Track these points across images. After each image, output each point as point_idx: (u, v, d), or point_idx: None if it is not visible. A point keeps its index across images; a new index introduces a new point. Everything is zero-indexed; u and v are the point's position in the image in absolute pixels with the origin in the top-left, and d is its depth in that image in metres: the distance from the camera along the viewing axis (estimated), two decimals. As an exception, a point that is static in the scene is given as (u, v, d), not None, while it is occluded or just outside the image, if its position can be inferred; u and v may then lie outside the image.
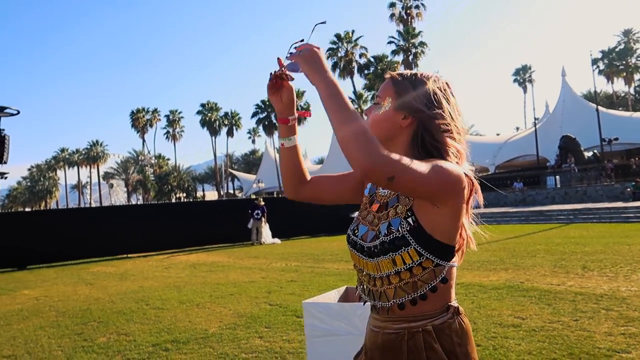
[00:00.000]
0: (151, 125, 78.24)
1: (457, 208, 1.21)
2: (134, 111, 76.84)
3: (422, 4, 42.22)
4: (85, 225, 15.58)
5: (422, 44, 40.03)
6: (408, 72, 1.36)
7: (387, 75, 1.39)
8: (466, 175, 1.23)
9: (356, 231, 1.36)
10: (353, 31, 41.80)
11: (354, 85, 43.07)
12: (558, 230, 14.60)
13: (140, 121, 76.75)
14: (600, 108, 35.26)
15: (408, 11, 41.62)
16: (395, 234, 1.23)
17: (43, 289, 9.38)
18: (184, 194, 74.76)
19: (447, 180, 1.16)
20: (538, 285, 6.44)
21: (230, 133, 63.84)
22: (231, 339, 4.80)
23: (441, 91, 1.32)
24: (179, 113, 75.46)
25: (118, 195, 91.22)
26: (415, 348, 1.22)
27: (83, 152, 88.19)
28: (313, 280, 8.10)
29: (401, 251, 1.22)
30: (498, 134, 76.27)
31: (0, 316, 6.82)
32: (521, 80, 63.01)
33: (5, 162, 22.37)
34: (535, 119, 39.53)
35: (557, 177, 26.38)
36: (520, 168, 38.62)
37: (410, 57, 39.71)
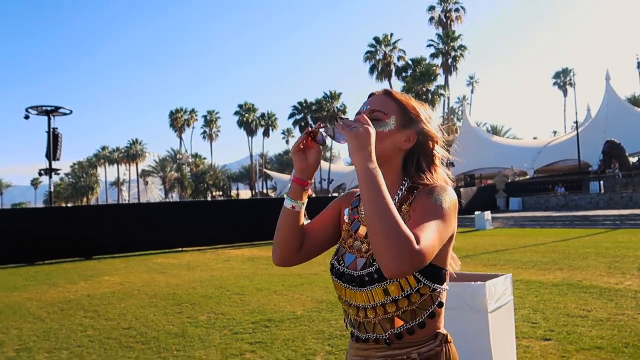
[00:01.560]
0: (188, 125, 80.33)
1: (453, 233, 1.19)
2: (173, 111, 78.99)
3: (462, 7, 42.24)
4: (145, 219, 16.57)
5: (461, 47, 40.04)
6: (399, 92, 1.33)
7: (381, 92, 1.32)
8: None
9: (341, 261, 1.28)
10: (392, 34, 42.20)
11: (390, 85, 43.35)
12: (605, 235, 14.66)
13: (178, 121, 78.86)
14: (645, 112, 34.50)
15: (447, 14, 41.68)
16: None
17: (120, 276, 10.21)
18: (220, 192, 76.36)
19: (452, 221, 1.16)
20: (597, 284, 6.79)
21: (266, 133, 65.01)
22: (320, 319, 5.37)
23: (433, 115, 1.33)
24: (216, 113, 77.20)
25: (152, 193, 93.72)
26: None
27: (123, 151, 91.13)
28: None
29: (399, 278, 1.16)
30: (535, 138, 75.08)
31: (99, 297, 7.62)
32: (561, 84, 61.92)
33: (58, 159, 23.72)
34: (574, 122, 38.94)
35: (601, 182, 26.07)
36: (561, 172, 38.09)
37: (450, 61, 39.74)
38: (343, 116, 1.34)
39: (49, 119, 20.16)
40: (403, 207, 1.24)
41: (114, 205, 21.69)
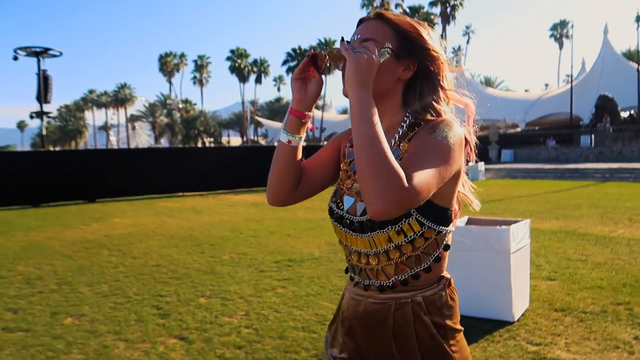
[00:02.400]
0: (178, 70, 78.92)
1: (458, 171, 1.11)
2: (162, 55, 77.25)
3: (463, -47, 40.96)
4: (146, 164, 16.74)
5: (461, -5, 39.24)
6: (395, 12, 1.18)
7: (372, 16, 1.17)
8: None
9: (340, 204, 1.20)
10: (390, -21, 41.02)
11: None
12: (595, 188, 15.20)
13: (168, 65, 77.30)
14: (640, 68, 34.61)
15: (448, -40, 40.49)
16: None
17: (130, 218, 10.51)
18: (211, 139, 75.96)
19: (456, 158, 1.06)
20: (592, 232, 7.24)
21: (258, 80, 64.12)
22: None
23: (434, 35, 1.18)
24: (207, 58, 75.64)
25: (141, 138, 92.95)
26: (403, 320, 1.13)
27: (111, 95, 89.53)
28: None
29: (401, 223, 1.09)
30: (527, 91, 75.02)
31: (117, 237, 7.93)
32: (558, 36, 61.30)
33: (49, 102, 23.41)
34: (567, 75, 38.98)
35: (592, 136, 26.55)
36: (553, 126, 38.54)
37: (449, 10, 39.01)
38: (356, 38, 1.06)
39: (39, 60, 19.74)
40: (401, 144, 1.14)
41: (116, 150, 21.71)
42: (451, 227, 1.15)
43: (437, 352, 1.12)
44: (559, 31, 61.08)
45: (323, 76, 1.17)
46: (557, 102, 42.06)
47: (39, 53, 19.80)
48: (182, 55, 78.44)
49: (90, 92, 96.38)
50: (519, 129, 42.16)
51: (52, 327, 3.77)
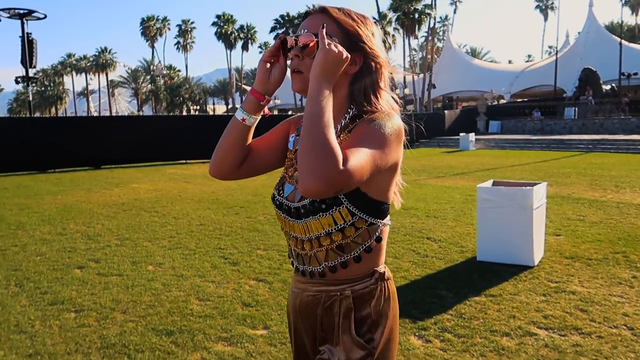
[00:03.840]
0: (161, 35, 77.35)
1: (395, 163, 1.13)
2: (144, 19, 75.55)
3: None
4: (149, 132, 17.04)
5: (451, -36, 39.20)
6: (339, 7, 1.19)
7: (317, 11, 1.18)
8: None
9: (281, 191, 1.24)
10: (380, -54, 40.65)
11: (377, 4, 42.54)
12: (580, 158, 16.12)
13: (150, 30, 75.71)
14: (623, 42, 35.50)
15: None
16: None
17: (148, 184, 11.00)
18: (197, 107, 75.34)
19: (390, 150, 1.09)
20: (584, 197, 8.04)
21: (245, 47, 63.37)
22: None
23: (376, 32, 1.21)
24: (192, 23, 74.23)
25: (120, 105, 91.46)
26: (331, 313, 1.17)
27: (91, 59, 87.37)
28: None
29: (332, 211, 1.13)
30: (510, 62, 75.76)
31: (147, 200, 8.47)
32: (543, 7, 61.77)
33: (34, 67, 23.23)
34: (549, 47, 39.69)
35: (575, 108, 27.48)
36: (537, 98, 39.47)
37: (439, -22, 38.99)
38: (299, 38, 1.08)
39: (23, 23, 19.56)
40: (342, 135, 1.18)
41: (120, 117, 21.84)
42: (386, 221, 1.18)
43: (359, 345, 1.14)
44: (544, 2, 61.53)
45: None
46: (541, 74, 42.91)
47: (23, 15, 19.60)
48: (165, 20, 76.82)
49: (69, 56, 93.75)
50: (503, 101, 43.01)
51: (140, 272, 4.38)
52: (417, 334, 3.00)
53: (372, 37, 1.18)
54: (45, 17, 21.51)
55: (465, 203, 7.64)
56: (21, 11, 19.76)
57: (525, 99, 42.58)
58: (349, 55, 1.08)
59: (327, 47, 1.05)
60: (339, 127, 1.18)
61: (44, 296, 3.79)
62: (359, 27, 1.16)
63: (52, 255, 4.99)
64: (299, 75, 1.16)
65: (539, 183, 4.47)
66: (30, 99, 22.36)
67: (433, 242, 5.22)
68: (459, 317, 3.22)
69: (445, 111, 28.69)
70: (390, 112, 1.15)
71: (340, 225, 1.13)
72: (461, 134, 21.47)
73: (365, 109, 1.17)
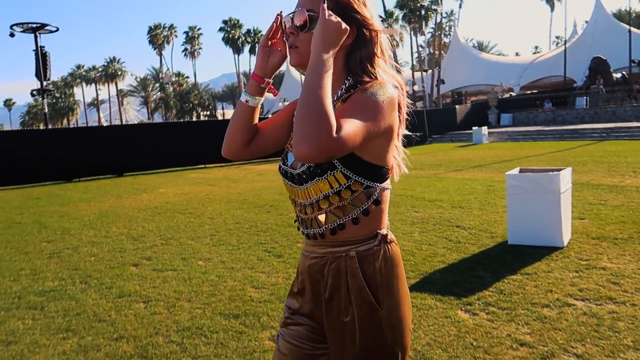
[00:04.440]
0: (168, 42, 78.12)
1: (390, 129, 1.18)
2: (152, 27, 76.36)
3: None
4: (167, 139, 17.45)
5: (456, -41, 39.35)
6: None
7: None
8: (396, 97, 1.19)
9: (286, 160, 1.32)
10: (384, -55, 40.90)
11: (383, 3, 42.74)
12: (595, 146, 16.22)
13: (158, 38, 76.53)
14: (632, 29, 35.36)
15: None
16: None
17: (174, 188, 11.36)
18: (207, 112, 75.99)
19: (383, 117, 1.13)
20: (603, 183, 8.23)
21: (252, 51, 63.83)
22: (393, 212, 6.69)
23: (368, 2, 1.25)
24: (198, 30, 74.94)
25: (129, 113, 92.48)
26: (337, 273, 1.22)
27: (100, 69, 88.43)
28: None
29: (327, 175, 1.18)
30: (517, 54, 75.46)
31: (179, 203, 8.81)
32: (549, -3, 61.53)
33: (48, 79, 23.71)
34: (556, 37, 39.58)
35: (587, 98, 27.48)
36: (548, 89, 39.40)
37: (444, -26, 39.20)
38: (294, 16, 1.19)
39: (36, 37, 20.06)
40: (337, 104, 1.22)
41: (138, 125, 22.31)
42: (385, 185, 1.23)
43: (365, 304, 1.19)
44: (551, -7, 61.29)
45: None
46: (550, 65, 42.81)
47: (36, 29, 20.09)
48: (172, 27, 77.59)
49: (79, 67, 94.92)
50: (513, 93, 42.97)
51: (192, 267, 4.69)
52: (463, 308, 3.27)
53: (365, 6, 1.22)
54: (58, 30, 22.01)
55: (488, 193, 7.87)
56: (34, 25, 20.31)
57: (535, 91, 42.49)
58: (348, 27, 1.14)
59: (327, 17, 1.11)
60: (335, 97, 1.23)
61: (110, 290, 4.11)
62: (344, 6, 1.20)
63: (105, 256, 5.33)
64: (295, 50, 1.24)
65: (564, 169, 4.71)
66: (45, 110, 22.92)
67: (463, 230, 5.48)
68: (500, 293, 3.48)
69: (457, 106, 28.87)
70: (383, 82, 1.20)
71: (336, 188, 1.19)
72: (474, 128, 21.63)
73: (361, 79, 1.22)
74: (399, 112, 1.22)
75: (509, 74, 43.45)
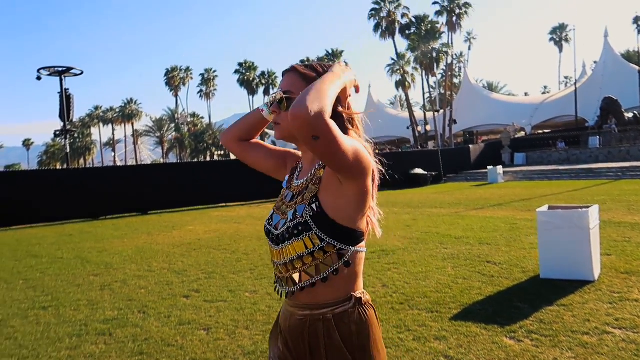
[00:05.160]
0: (184, 84, 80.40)
1: (363, 191, 1.25)
2: (169, 69, 78.76)
3: (465, -36, 42.58)
4: (189, 178, 17.96)
5: (466, 4, 40.77)
6: (307, 64, 1.40)
7: (290, 68, 1.40)
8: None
9: (270, 221, 1.41)
10: (395, -8, 42.57)
11: (395, 46, 44.11)
12: (611, 185, 16.41)
13: (175, 80, 78.81)
14: (641, 69, 35.97)
15: (451, -29, 42.05)
16: (299, 220, 1.27)
17: (202, 226, 11.71)
18: (221, 152, 77.18)
19: (361, 157, 1.20)
20: (625, 221, 8.44)
21: (267, 92, 65.44)
22: (423, 249, 6.95)
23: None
24: (214, 72, 77.19)
25: (142, 153, 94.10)
26: (316, 334, 1.28)
27: (117, 110, 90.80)
28: (427, 218, 10.24)
29: (303, 236, 1.26)
30: (526, 94, 76.41)
31: (210, 240, 9.13)
32: (557, 39, 62.86)
33: (71, 120, 24.48)
34: (565, 78, 40.28)
35: (599, 137, 27.78)
36: (561, 128, 39.81)
37: (454, 19, 40.51)
38: (275, 94, 1.43)
39: (61, 80, 20.99)
40: (320, 171, 1.33)
41: (162, 165, 23.01)
42: (358, 248, 1.30)
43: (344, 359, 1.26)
44: (559, 35, 62.69)
45: None
46: (561, 104, 43.41)
47: (62, 73, 21.05)
48: (188, 69, 80.00)
49: (96, 108, 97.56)
50: (522, 133, 43.42)
51: (241, 298, 4.97)
52: (508, 336, 3.51)
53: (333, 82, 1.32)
54: (82, 73, 23.04)
55: (512, 231, 8.11)
56: (60, 69, 21.31)
57: (547, 130, 42.95)
58: (357, 83, 1.33)
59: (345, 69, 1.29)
60: (316, 166, 1.35)
61: (169, 319, 4.40)
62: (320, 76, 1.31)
63: (154, 288, 5.63)
64: (278, 126, 1.40)
65: (592, 206, 4.99)
66: (68, 150, 23.70)
67: (494, 265, 5.72)
68: (540, 322, 3.72)
69: (470, 146, 29.27)
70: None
71: (310, 249, 1.26)
72: (489, 167, 21.94)
73: None
74: (372, 180, 1.30)
75: (519, 114, 44.04)
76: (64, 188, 15.57)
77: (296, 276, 1.30)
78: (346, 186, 1.24)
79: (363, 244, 1.31)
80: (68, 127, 21.71)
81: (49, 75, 21.19)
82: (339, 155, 1.15)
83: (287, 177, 1.50)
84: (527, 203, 12.39)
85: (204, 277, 6.04)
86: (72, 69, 21.43)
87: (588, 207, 4.93)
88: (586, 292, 4.42)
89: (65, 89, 20.52)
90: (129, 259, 7.66)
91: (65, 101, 20.63)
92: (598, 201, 11.87)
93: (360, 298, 1.30)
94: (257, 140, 1.58)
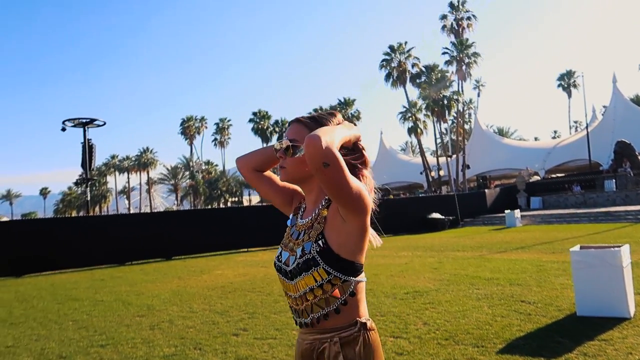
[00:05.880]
0: (199, 133, 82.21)
1: (363, 228, 1.39)
2: (184, 119, 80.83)
3: (473, 15, 44.27)
4: (211, 224, 18.34)
5: (475, 54, 42.06)
6: (311, 114, 1.55)
7: (293, 121, 1.55)
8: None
9: (280, 257, 1.54)
10: (406, 42, 44.10)
11: (406, 94, 45.25)
12: (632, 228, 16.46)
13: (190, 129, 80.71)
14: (652, 114, 36.43)
15: (459, 22, 43.68)
16: (307, 256, 1.41)
17: (230, 270, 11.96)
18: (235, 199, 78.01)
19: (364, 194, 1.34)
20: (651, 262, 8.57)
21: (280, 139, 66.75)
22: (455, 290, 7.15)
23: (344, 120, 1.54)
24: (228, 121, 79.12)
25: (155, 201, 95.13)
26: (323, 356, 1.41)
27: (133, 159, 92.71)
28: (452, 262, 10.42)
29: (312, 271, 1.40)
30: (537, 139, 77.00)
31: (242, 283, 9.37)
32: (566, 85, 63.95)
33: (93, 170, 25.09)
34: (575, 122, 40.76)
35: (615, 180, 27.90)
36: (575, 172, 39.98)
37: (464, 68, 41.71)
38: (282, 142, 1.71)
39: (84, 130, 21.88)
40: (322, 212, 1.46)
41: (184, 211, 23.52)
42: (359, 278, 1.44)
43: None
44: (567, 81, 63.81)
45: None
46: (573, 148, 43.78)
47: (85, 124, 21.96)
48: (203, 119, 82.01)
49: (113, 157, 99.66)
50: (536, 177, 43.59)
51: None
52: (555, 367, 3.72)
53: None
54: (105, 124, 23.96)
55: (540, 272, 8.28)
56: (84, 120, 22.24)
57: (561, 174, 43.12)
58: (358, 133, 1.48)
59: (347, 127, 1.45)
60: (320, 206, 1.48)
61: (225, 354, 4.65)
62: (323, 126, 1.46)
63: (202, 327, 5.88)
64: (283, 169, 1.54)
65: (623, 245, 5.24)
66: (88, 198, 24.35)
67: (529, 304, 5.91)
68: (585, 355, 3.92)
69: (486, 190, 29.50)
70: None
71: (319, 282, 1.40)
72: (506, 211, 22.07)
73: None
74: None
75: (532, 158, 44.41)
76: (93, 234, 15.99)
77: (308, 308, 1.44)
78: (349, 223, 1.38)
79: (363, 274, 1.47)
80: (89, 175, 22.45)
81: (73, 126, 22.11)
82: (345, 187, 1.29)
83: (291, 217, 1.64)
84: (549, 246, 12.52)
85: (247, 317, 6.28)
86: (95, 120, 22.35)
87: (619, 246, 5.18)
88: (624, 328, 4.61)
89: (88, 139, 21.40)
90: (168, 301, 7.92)
91: (88, 151, 21.45)
92: (621, 243, 11.95)
93: (365, 323, 1.43)
94: (270, 173, 1.71)
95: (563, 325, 4.88)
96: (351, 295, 1.42)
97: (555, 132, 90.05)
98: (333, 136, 1.30)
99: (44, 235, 15.39)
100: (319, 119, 1.52)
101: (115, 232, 16.46)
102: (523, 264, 9.47)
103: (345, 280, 1.41)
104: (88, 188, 23.40)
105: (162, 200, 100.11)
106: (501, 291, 6.83)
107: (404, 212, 21.78)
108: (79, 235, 15.82)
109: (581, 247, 5.48)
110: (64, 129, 21.81)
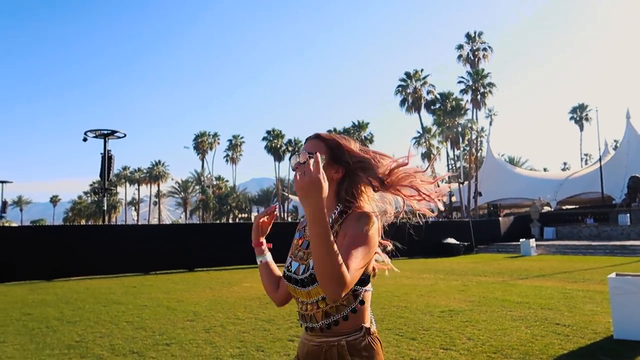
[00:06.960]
0: (211, 149, 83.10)
1: (374, 246, 1.49)
2: (197, 134, 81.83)
3: (489, 47, 45.11)
4: (233, 237, 18.73)
5: (490, 84, 42.77)
6: (328, 133, 1.63)
7: (313, 136, 1.63)
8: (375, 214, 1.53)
9: (290, 267, 1.63)
10: (422, 70, 45.07)
11: (421, 121, 45.92)
12: (648, 262, 16.69)
13: (203, 144, 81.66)
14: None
15: (475, 53, 44.52)
16: None
17: (258, 284, 12.27)
18: (245, 215, 78.55)
19: (374, 241, 1.48)
20: (675, 294, 8.87)
21: (297, 153, 67.42)
22: (484, 311, 7.49)
23: (354, 146, 1.62)
24: (241, 138, 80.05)
25: (162, 213, 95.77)
26: (331, 358, 1.51)
27: (145, 171, 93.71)
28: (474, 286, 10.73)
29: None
30: (546, 169, 77.13)
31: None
32: (578, 118, 64.43)
33: (111, 180, 25.61)
34: (585, 155, 41.00)
35: (629, 215, 28.12)
36: (588, 204, 40.18)
37: (479, 97, 42.39)
38: (299, 156, 1.54)
39: (105, 141, 22.51)
40: (335, 226, 1.54)
41: (207, 224, 23.95)
42: (367, 287, 1.55)
43: None
44: (579, 114, 64.32)
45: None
46: (585, 181, 44.00)
47: (106, 135, 22.61)
48: (216, 135, 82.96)
49: (124, 168, 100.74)
50: (548, 208, 43.75)
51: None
52: (605, 380, 4.07)
53: (352, 150, 1.58)
54: (125, 136, 24.63)
55: (568, 299, 8.60)
56: (105, 131, 22.91)
57: (574, 206, 43.28)
58: (323, 182, 1.29)
59: (299, 177, 1.30)
60: (330, 220, 1.52)
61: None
62: (339, 145, 1.58)
63: (257, 333, 6.26)
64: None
65: (657, 274, 5.61)
66: (105, 207, 24.89)
67: (565, 327, 6.25)
68: (629, 372, 4.28)
69: (500, 218, 29.79)
70: (369, 214, 1.50)
71: None
72: (522, 240, 22.34)
73: (349, 205, 1.57)
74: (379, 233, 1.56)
75: (543, 189, 44.59)
76: (118, 243, 16.44)
77: (319, 315, 1.53)
78: None
79: (370, 284, 1.57)
80: (106, 185, 23.01)
81: (95, 137, 22.77)
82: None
83: (297, 234, 1.72)
84: (569, 275, 12.80)
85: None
86: (116, 132, 22.98)
87: (652, 275, 5.56)
88: (661, 351, 4.95)
89: (108, 150, 22.04)
90: (212, 308, 8.31)
91: (107, 162, 22.07)
92: (640, 276, 12.24)
93: (369, 328, 1.55)
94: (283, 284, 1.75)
95: (603, 347, 5.23)
96: (360, 304, 1.53)
97: (564, 163, 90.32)
98: (334, 272, 1.28)
99: (76, 242, 15.87)
100: (339, 144, 1.59)
101: (139, 241, 16.91)
102: (548, 290, 9.78)
103: (355, 290, 1.51)
104: (105, 198, 23.94)
105: (169, 213, 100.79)
106: (534, 314, 7.17)
107: (419, 236, 22.06)
108: (104, 243, 16.27)
109: (617, 274, 5.85)
110: (85, 139, 22.43)
